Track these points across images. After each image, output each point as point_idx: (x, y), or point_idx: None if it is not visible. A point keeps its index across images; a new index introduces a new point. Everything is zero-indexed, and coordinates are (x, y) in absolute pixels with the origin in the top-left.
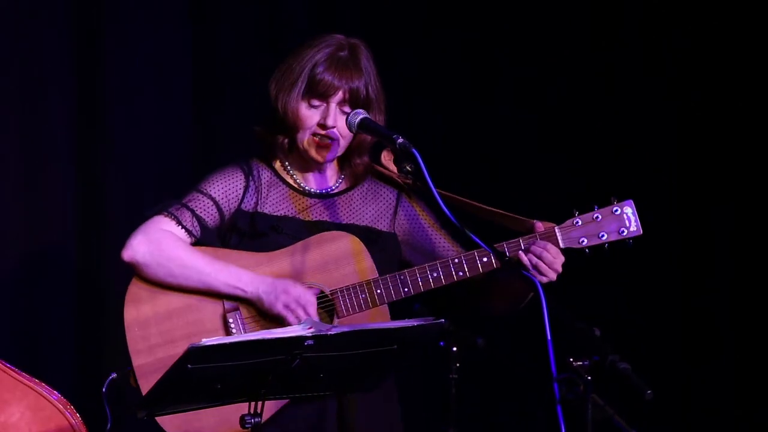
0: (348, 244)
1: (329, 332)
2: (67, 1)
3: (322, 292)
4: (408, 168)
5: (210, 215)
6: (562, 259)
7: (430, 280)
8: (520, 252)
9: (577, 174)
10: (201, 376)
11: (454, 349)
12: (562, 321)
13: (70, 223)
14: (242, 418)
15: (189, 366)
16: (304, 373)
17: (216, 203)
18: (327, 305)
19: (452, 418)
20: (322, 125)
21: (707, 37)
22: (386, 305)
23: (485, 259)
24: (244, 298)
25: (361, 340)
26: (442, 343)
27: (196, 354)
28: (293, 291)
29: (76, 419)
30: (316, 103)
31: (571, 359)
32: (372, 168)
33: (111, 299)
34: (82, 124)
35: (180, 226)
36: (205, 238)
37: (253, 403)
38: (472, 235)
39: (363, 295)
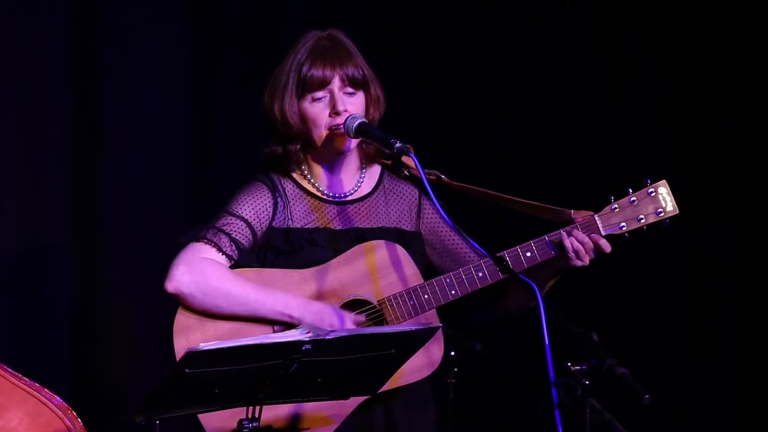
0: (390, 252)
1: (327, 337)
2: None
3: (369, 303)
4: (406, 173)
5: (245, 237)
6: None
7: (477, 281)
8: (563, 235)
9: (577, 174)
10: (199, 380)
11: (453, 353)
12: (559, 325)
13: (68, 223)
14: (240, 423)
15: (187, 370)
16: (302, 377)
17: (249, 224)
18: (376, 316)
19: (450, 422)
20: (335, 113)
21: (707, 37)
22: (434, 310)
23: (528, 254)
24: (291, 324)
25: (359, 345)
26: None
27: (194, 358)
28: (336, 322)
29: (76, 425)
30: (318, 95)
31: (569, 364)
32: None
33: (108, 300)
34: (80, 124)
35: (220, 252)
36: (243, 259)
37: (251, 408)
38: (471, 240)
39: (411, 302)
